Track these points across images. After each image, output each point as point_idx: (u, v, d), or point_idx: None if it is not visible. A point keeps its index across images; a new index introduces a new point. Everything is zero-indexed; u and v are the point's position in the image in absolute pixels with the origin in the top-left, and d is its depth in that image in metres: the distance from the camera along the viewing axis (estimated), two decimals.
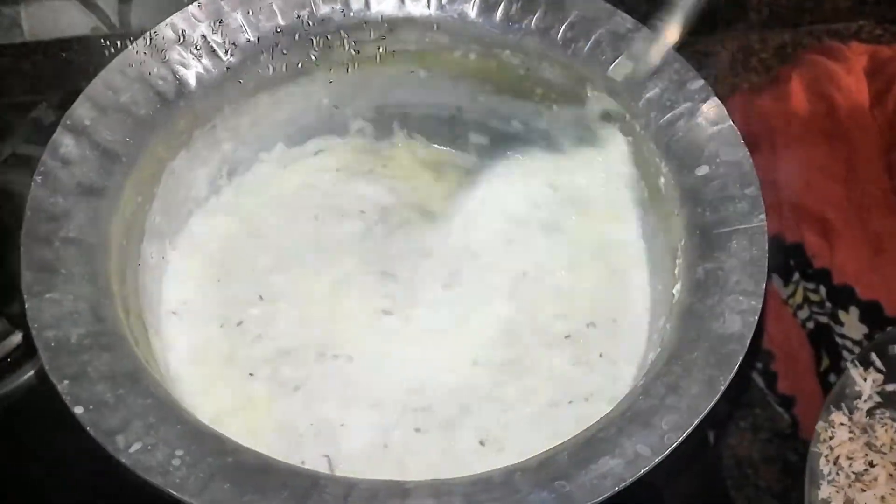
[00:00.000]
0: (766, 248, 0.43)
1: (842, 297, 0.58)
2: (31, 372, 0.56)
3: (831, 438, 0.47)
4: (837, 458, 0.46)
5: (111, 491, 0.53)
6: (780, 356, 0.62)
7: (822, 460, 0.45)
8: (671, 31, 0.49)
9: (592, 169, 0.54)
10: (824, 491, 0.44)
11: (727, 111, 0.48)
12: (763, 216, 0.44)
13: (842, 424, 0.47)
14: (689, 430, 0.37)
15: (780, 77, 0.68)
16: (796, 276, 0.61)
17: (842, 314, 0.58)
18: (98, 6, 0.79)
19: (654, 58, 0.50)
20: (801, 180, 0.62)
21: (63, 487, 0.55)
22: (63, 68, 0.79)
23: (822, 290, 0.59)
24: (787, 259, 0.62)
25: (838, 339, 0.59)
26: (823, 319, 0.60)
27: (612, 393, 0.47)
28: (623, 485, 0.36)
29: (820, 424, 0.48)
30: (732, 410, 0.65)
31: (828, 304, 0.59)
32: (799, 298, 0.62)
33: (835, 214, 0.60)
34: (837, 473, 0.44)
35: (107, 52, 0.50)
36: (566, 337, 0.51)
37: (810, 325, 0.61)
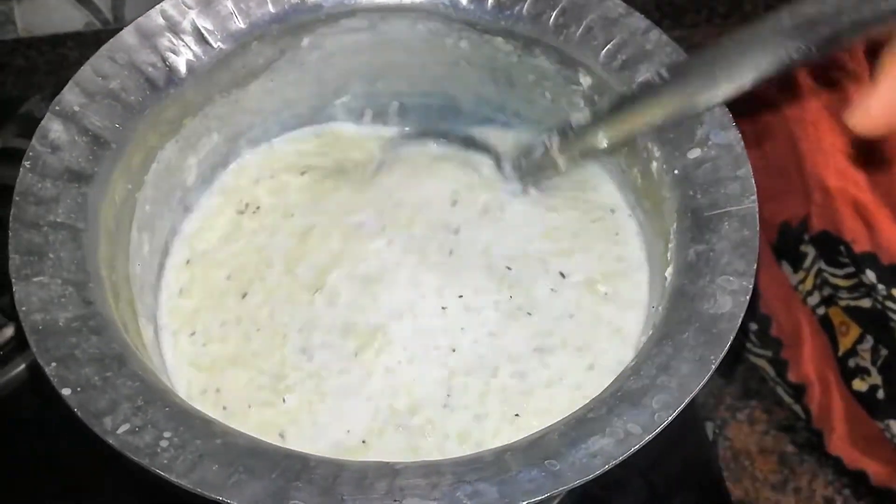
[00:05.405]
0: (757, 229, 0.43)
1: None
2: (23, 365, 0.56)
3: None
4: None
5: (103, 483, 0.54)
6: (790, 344, 0.61)
7: None
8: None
9: None
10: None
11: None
12: (754, 198, 0.44)
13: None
14: (680, 408, 0.37)
15: None
16: (808, 262, 0.61)
17: None
18: (91, 1, 0.79)
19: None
20: (832, 166, 0.61)
21: (55, 482, 0.55)
22: (57, 64, 0.79)
23: (871, 274, 0.58)
24: (797, 245, 0.61)
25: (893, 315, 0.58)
26: (865, 303, 0.59)
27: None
28: (613, 462, 0.36)
29: None
30: (730, 402, 0.65)
31: (880, 287, 0.58)
32: (809, 285, 0.62)
33: (868, 198, 0.60)
34: None
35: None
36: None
37: (820, 311, 0.61)
